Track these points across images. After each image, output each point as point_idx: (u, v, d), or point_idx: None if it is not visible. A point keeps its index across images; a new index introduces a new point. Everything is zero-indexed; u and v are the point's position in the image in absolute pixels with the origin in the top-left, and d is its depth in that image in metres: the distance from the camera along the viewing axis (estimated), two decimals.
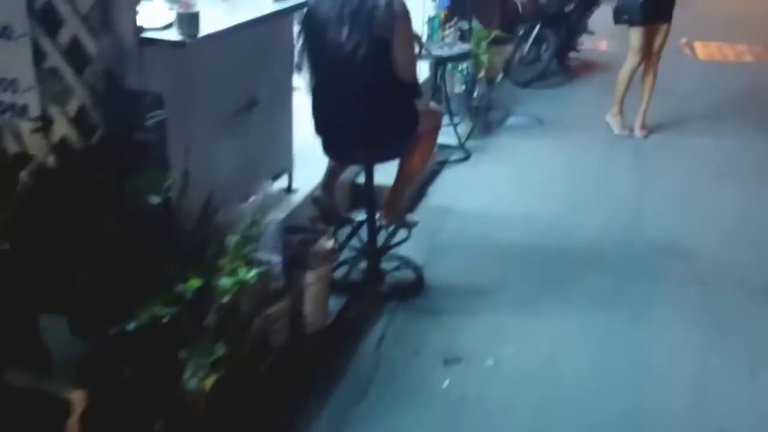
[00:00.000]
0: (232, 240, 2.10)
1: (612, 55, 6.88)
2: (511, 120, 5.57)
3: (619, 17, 5.27)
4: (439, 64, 4.83)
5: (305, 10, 2.89)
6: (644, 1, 5.02)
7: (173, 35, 2.32)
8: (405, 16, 2.82)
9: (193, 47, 2.33)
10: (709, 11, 9.10)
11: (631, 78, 5.29)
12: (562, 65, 6.78)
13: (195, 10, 2.31)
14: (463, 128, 5.09)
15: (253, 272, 2.07)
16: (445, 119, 5.08)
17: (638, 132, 5.34)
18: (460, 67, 5.22)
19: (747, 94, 6.33)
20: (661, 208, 4.18)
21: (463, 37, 5.35)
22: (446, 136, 4.89)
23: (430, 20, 5.11)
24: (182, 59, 2.35)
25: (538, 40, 6.44)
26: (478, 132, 5.19)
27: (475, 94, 5.35)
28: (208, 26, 2.46)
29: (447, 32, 5.20)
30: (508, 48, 6.33)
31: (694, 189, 4.46)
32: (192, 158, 2.41)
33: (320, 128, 3.04)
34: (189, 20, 2.31)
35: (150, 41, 2.26)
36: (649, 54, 5.21)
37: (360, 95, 2.86)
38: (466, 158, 4.85)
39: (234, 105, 2.73)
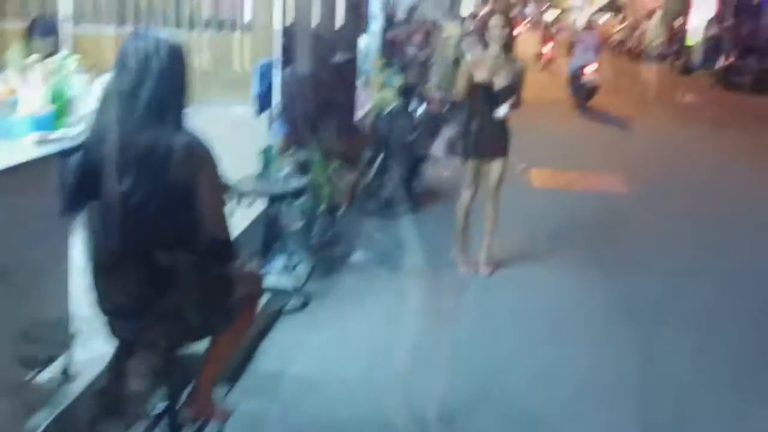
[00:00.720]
0: None
1: (457, 182, 6.81)
2: (355, 257, 5.13)
3: (448, 150, 5.14)
4: (273, 201, 4.33)
5: (79, 153, 2.27)
6: (469, 137, 4.88)
7: None
8: (210, 162, 2.27)
9: None
10: (543, 139, 9.53)
11: (466, 212, 5.07)
12: (407, 193, 6.58)
13: None
14: (302, 269, 4.56)
15: None
16: (282, 260, 4.58)
17: (483, 270, 5.06)
18: (298, 201, 4.75)
19: (584, 223, 6.37)
20: (511, 368, 3.76)
21: (302, 168, 4.94)
22: (282, 279, 4.37)
23: (264, 151, 4.65)
24: None
25: (382, 169, 6.22)
26: (318, 273, 4.67)
27: (315, 230, 4.89)
28: None
29: (283, 164, 4.77)
30: (352, 176, 6.01)
31: (540, 340, 4.10)
32: None
33: (100, 303, 2.35)
34: None
35: None
36: (485, 188, 5.03)
37: (151, 262, 2.24)
38: (304, 305, 4.29)
39: None
